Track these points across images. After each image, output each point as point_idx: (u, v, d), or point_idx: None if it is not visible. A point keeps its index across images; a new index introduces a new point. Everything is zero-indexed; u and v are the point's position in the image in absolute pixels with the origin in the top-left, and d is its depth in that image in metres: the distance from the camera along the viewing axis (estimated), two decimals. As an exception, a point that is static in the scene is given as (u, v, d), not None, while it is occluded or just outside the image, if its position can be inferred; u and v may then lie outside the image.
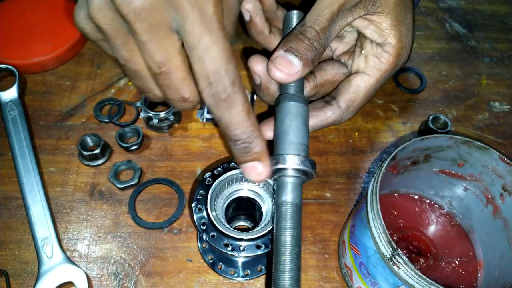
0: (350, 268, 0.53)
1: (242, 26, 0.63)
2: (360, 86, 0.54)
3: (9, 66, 0.70)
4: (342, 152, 0.69)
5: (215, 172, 0.53)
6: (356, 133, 0.71)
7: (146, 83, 0.43)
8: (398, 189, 0.61)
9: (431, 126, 0.69)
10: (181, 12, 0.36)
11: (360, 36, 0.56)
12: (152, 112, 0.67)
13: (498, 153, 0.49)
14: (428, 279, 0.40)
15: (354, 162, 0.68)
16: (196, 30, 0.37)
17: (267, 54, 0.50)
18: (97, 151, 0.64)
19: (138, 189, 0.63)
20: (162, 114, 0.67)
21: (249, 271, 0.57)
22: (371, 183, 0.47)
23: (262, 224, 0.52)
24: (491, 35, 0.88)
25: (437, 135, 0.50)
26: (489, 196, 0.53)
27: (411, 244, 0.57)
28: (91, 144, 0.66)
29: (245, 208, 0.58)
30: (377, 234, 0.44)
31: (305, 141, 0.45)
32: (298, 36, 0.48)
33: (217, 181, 0.52)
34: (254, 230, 0.50)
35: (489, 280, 0.53)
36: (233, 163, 0.54)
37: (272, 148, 0.46)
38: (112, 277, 0.56)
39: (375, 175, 0.47)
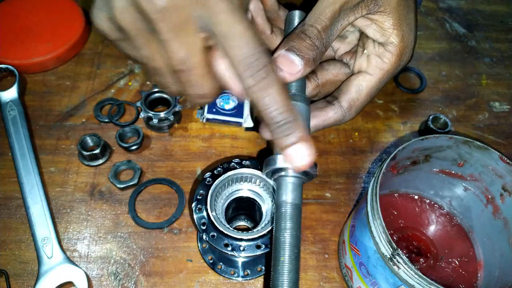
0: (350, 268, 0.53)
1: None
2: (362, 86, 0.54)
3: (9, 66, 0.70)
4: (342, 152, 0.69)
5: (215, 172, 0.53)
6: (356, 133, 0.71)
7: (166, 79, 0.43)
8: (398, 189, 0.61)
9: (431, 126, 0.69)
10: (209, 5, 0.38)
11: (362, 36, 0.56)
12: (152, 112, 0.67)
13: (498, 153, 0.49)
14: (428, 279, 0.40)
15: (354, 162, 0.68)
16: (227, 19, 0.38)
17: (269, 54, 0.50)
18: (97, 151, 0.64)
19: (138, 189, 0.63)
20: (162, 114, 0.67)
21: (249, 271, 0.57)
22: (371, 183, 0.47)
23: (262, 224, 0.52)
24: (491, 35, 0.88)
25: (437, 135, 0.50)
26: (489, 196, 0.53)
27: (411, 244, 0.57)
28: (91, 144, 0.66)
29: (245, 208, 0.58)
30: (377, 234, 0.44)
31: None
32: (299, 35, 0.48)
33: (217, 181, 0.52)
34: (254, 230, 0.50)
35: (489, 280, 0.53)
36: (233, 163, 0.54)
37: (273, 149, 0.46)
38: (112, 277, 0.56)
39: (375, 175, 0.47)
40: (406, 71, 0.80)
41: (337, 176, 0.66)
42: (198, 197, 0.51)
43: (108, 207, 0.62)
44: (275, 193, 0.45)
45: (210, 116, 0.69)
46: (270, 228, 0.49)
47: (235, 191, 0.56)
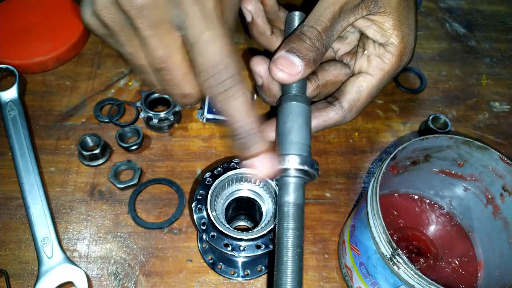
0: (350, 268, 0.53)
1: (244, 27, 0.63)
2: (362, 86, 0.54)
3: (9, 66, 0.70)
4: (342, 152, 0.69)
5: (215, 172, 0.53)
6: (356, 133, 0.71)
7: (150, 78, 0.44)
8: (398, 189, 0.61)
9: (431, 126, 0.69)
10: (182, 7, 0.37)
11: (363, 37, 0.56)
12: (152, 112, 0.67)
13: (498, 153, 0.49)
14: (428, 279, 0.40)
15: (354, 162, 0.68)
16: (197, 25, 0.38)
17: (269, 55, 0.50)
18: (97, 151, 0.64)
19: (138, 189, 0.63)
20: (162, 114, 0.67)
21: (249, 271, 0.57)
22: (371, 183, 0.47)
23: (262, 224, 0.52)
24: (491, 35, 0.88)
25: (437, 135, 0.50)
26: (489, 196, 0.53)
27: (411, 244, 0.57)
28: (91, 144, 0.66)
29: (245, 208, 0.58)
30: (377, 234, 0.44)
31: (307, 141, 0.45)
32: (299, 36, 0.48)
33: (217, 181, 0.52)
34: (254, 230, 0.50)
35: (489, 280, 0.53)
36: (233, 163, 0.54)
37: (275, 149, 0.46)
38: (112, 277, 0.56)
39: (375, 175, 0.47)
40: (406, 71, 0.80)
41: (337, 176, 0.66)
42: (198, 197, 0.51)
43: (108, 207, 0.62)
44: (276, 194, 0.45)
45: (210, 116, 0.69)
46: (270, 228, 0.49)
47: (235, 191, 0.56)
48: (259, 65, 0.50)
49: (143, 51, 0.41)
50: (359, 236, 0.49)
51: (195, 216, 0.50)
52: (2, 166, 0.65)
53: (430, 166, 0.56)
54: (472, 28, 0.89)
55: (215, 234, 0.49)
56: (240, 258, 0.55)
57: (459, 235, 0.58)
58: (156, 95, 0.70)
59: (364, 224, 0.47)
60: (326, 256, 0.59)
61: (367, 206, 0.46)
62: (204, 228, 0.49)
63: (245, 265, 0.57)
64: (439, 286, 0.40)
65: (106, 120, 0.69)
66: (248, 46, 0.80)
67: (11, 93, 0.68)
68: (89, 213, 0.61)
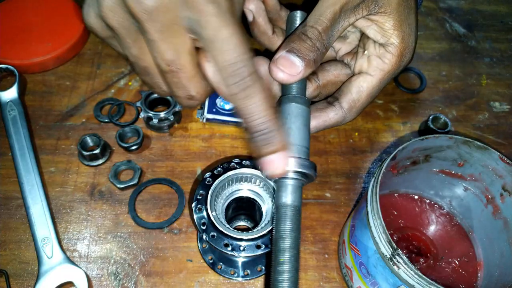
0: (350, 268, 0.53)
1: (245, 26, 0.63)
2: (363, 86, 0.54)
3: (9, 66, 0.70)
4: (342, 152, 0.69)
5: (215, 172, 0.53)
6: (356, 133, 0.71)
7: (154, 80, 0.43)
8: (398, 189, 0.61)
9: (431, 126, 0.69)
10: (196, 7, 0.37)
11: (363, 37, 0.56)
12: (152, 112, 0.67)
13: (498, 153, 0.49)
14: (428, 279, 0.40)
15: (354, 162, 0.68)
16: (214, 23, 0.37)
17: (270, 55, 0.50)
18: (97, 151, 0.64)
19: (138, 189, 0.63)
20: (162, 114, 0.67)
21: (249, 271, 0.57)
22: (371, 183, 0.47)
23: (262, 224, 0.52)
24: (491, 35, 0.88)
25: (437, 135, 0.50)
26: (489, 196, 0.53)
27: (411, 244, 0.57)
28: (91, 144, 0.66)
29: (245, 208, 0.58)
30: (377, 234, 0.44)
31: (305, 143, 0.45)
32: (300, 37, 0.48)
33: (217, 181, 0.52)
34: (254, 230, 0.50)
35: (489, 280, 0.53)
36: (233, 163, 0.54)
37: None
38: (112, 277, 0.56)
39: (375, 175, 0.47)
40: (406, 71, 0.80)
41: (337, 176, 0.66)
42: (198, 197, 0.51)
43: (108, 207, 0.62)
44: (275, 195, 0.45)
45: (210, 116, 0.69)
46: (270, 228, 0.49)
47: (235, 191, 0.56)
48: (259, 66, 0.50)
49: (149, 53, 0.40)
50: (359, 236, 0.49)
51: (195, 216, 0.50)
52: (2, 166, 0.65)
53: (430, 166, 0.56)
54: (472, 28, 0.89)
55: (215, 234, 0.49)
56: (240, 258, 0.55)
57: (459, 235, 0.58)
58: (156, 95, 0.70)
59: (364, 224, 0.47)
60: (326, 256, 0.59)
61: (367, 206, 0.46)
62: (204, 228, 0.49)
63: (245, 265, 0.57)
64: (439, 286, 0.40)
65: (106, 120, 0.69)
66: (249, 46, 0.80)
67: (11, 93, 0.68)
68: (89, 213, 0.61)
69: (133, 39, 0.40)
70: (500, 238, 0.52)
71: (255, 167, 0.54)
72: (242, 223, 0.62)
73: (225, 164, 0.54)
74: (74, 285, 0.54)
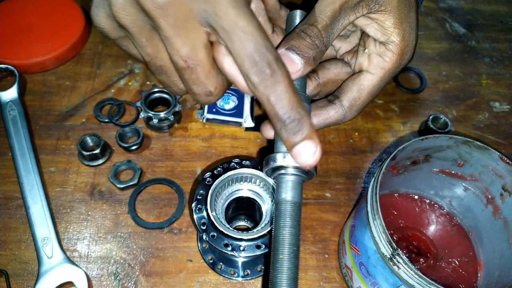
0: (350, 268, 0.53)
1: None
2: (363, 85, 0.54)
3: (9, 66, 0.70)
4: (342, 152, 0.69)
5: (215, 172, 0.53)
6: (356, 133, 0.71)
7: (171, 78, 0.42)
8: (398, 189, 0.61)
9: (431, 126, 0.69)
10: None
11: (364, 35, 0.56)
12: (152, 112, 0.67)
13: (498, 153, 0.49)
14: (428, 279, 0.40)
15: (354, 162, 0.68)
16: (230, 13, 0.37)
17: None
18: (97, 151, 0.64)
19: (138, 189, 0.63)
20: (162, 114, 0.67)
21: (249, 271, 0.57)
22: (371, 183, 0.47)
23: (262, 224, 0.52)
24: (491, 35, 0.88)
25: (437, 135, 0.50)
26: (489, 196, 0.53)
27: (411, 244, 0.57)
28: (91, 144, 0.66)
29: (245, 208, 0.58)
30: (377, 234, 0.44)
31: None
32: (299, 34, 0.48)
33: (217, 181, 0.52)
34: (254, 230, 0.50)
35: (489, 280, 0.53)
36: (233, 163, 0.54)
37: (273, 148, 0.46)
38: (112, 277, 0.56)
39: (375, 175, 0.47)
40: (406, 71, 0.80)
41: (337, 176, 0.66)
42: (198, 197, 0.51)
43: (108, 207, 0.62)
44: (274, 192, 0.45)
45: (210, 116, 0.69)
46: (270, 228, 0.49)
47: (235, 191, 0.56)
48: None
49: (165, 51, 0.39)
50: (359, 236, 0.49)
51: (195, 216, 0.50)
52: (2, 166, 0.65)
53: (430, 166, 0.56)
54: (472, 28, 0.89)
55: (215, 234, 0.49)
56: (240, 258, 0.55)
57: (459, 235, 0.58)
58: (156, 95, 0.70)
59: (364, 224, 0.47)
60: (326, 256, 0.59)
61: (367, 206, 0.46)
62: (204, 228, 0.49)
63: (245, 265, 0.57)
64: (439, 286, 0.40)
65: (106, 120, 0.69)
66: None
67: (11, 93, 0.68)
68: (89, 213, 0.61)
69: (147, 37, 0.39)
70: (500, 238, 0.52)
71: (255, 167, 0.54)
72: (242, 223, 0.62)
73: (225, 164, 0.54)
74: (74, 285, 0.54)
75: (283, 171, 0.43)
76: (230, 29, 0.37)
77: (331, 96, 0.56)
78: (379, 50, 0.53)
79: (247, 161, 0.54)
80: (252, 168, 0.53)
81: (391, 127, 0.72)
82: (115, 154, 0.67)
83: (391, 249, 0.42)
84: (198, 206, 0.51)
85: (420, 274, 0.40)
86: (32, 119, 0.69)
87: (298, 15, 0.52)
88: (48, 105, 0.71)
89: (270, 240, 0.49)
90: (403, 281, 0.42)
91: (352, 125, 0.72)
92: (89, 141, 0.66)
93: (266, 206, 0.55)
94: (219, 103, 0.69)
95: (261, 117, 0.71)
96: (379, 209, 0.44)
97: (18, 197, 0.61)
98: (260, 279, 0.57)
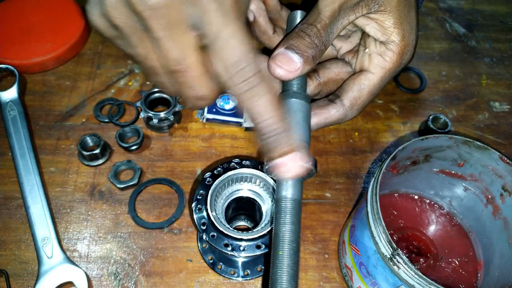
0: (350, 268, 0.53)
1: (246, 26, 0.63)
2: (364, 84, 0.54)
3: (9, 66, 0.70)
4: (342, 152, 0.69)
5: (215, 172, 0.53)
6: (356, 133, 0.71)
7: (162, 80, 0.43)
8: (398, 189, 0.61)
9: (431, 126, 0.69)
10: (200, 5, 0.37)
11: (364, 35, 0.56)
12: (152, 112, 0.67)
13: (498, 153, 0.49)
14: (428, 279, 0.40)
15: (354, 162, 0.68)
16: (216, 21, 0.37)
17: (269, 53, 0.50)
18: (97, 151, 0.64)
19: (138, 189, 0.63)
20: (162, 114, 0.67)
21: (249, 271, 0.57)
22: (371, 183, 0.47)
23: (262, 224, 0.52)
24: (491, 35, 0.88)
25: (437, 135, 0.50)
26: (489, 196, 0.53)
27: (411, 244, 0.57)
28: (91, 144, 0.66)
29: (245, 208, 0.58)
30: (377, 234, 0.44)
31: (306, 138, 0.45)
32: (299, 34, 0.48)
33: (217, 181, 0.52)
34: (254, 230, 0.50)
35: (489, 280, 0.53)
36: (233, 163, 0.54)
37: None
38: (112, 277, 0.56)
39: (375, 175, 0.47)
40: (406, 71, 0.80)
41: (337, 176, 0.66)
42: (198, 197, 0.51)
43: (108, 207, 0.62)
44: (274, 192, 0.45)
45: (210, 116, 0.69)
46: (270, 228, 0.49)
47: (235, 191, 0.56)
48: (260, 64, 0.49)
49: (156, 52, 0.40)
50: (359, 236, 0.49)
51: (195, 216, 0.50)
52: (2, 166, 0.65)
53: (430, 166, 0.56)
54: (472, 28, 0.89)
55: (215, 234, 0.49)
56: (240, 258, 0.55)
57: (459, 235, 0.58)
58: (156, 95, 0.70)
59: (364, 224, 0.47)
60: (326, 256, 0.59)
61: (367, 206, 0.46)
62: (204, 228, 0.49)
63: (245, 265, 0.57)
64: (439, 286, 0.40)
65: (106, 120, 0.69)
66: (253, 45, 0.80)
67: (11, 93, 0.68)
68: (89, 213, 0.61)
69: (139, 38, 0.39)
70: (500, 238, 0.52)
71: (255, 167, 0.54)
72: (242, 223, 0.62)
73: (225, 164, 0.54)
74: (74, 285, 0.54)
75: None
76: (215, 36, 0.37)
77: (332, 95, 0.56)
78: (380, 49, 0.53)
79: (247, 161, 0.54)
80: (252, 168, 0.53)
81: (391, 127, 0.72)
82: (115, 154, 0.67)
83: (391, 249, 0.42)
84: (198, 206, 0.51)
85: (420, 274, 0.40)
86: (32, 119, 0.69)
87: (298, 15, 0.52)
88: (48, 105, 0.71)
89: (271, 239, 0.49)
90: (403, 281, 0.42)
91: (352, 125, 0.72)
92: (89, 141, 0.66)
93: (266, 206, 0.55)
94: (219, 103, 0.69)
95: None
96: (379, 209, 0.44)
97: (18, 197, 0.61)
98: (260, 279, 0.57)
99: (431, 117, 0.70)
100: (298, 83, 0.48)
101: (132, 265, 0.57)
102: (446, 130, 0.70)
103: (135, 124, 0.69)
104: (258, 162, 0.54)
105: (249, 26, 0.55)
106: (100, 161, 0.65)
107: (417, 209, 0.60)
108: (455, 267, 0.56)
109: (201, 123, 0.71)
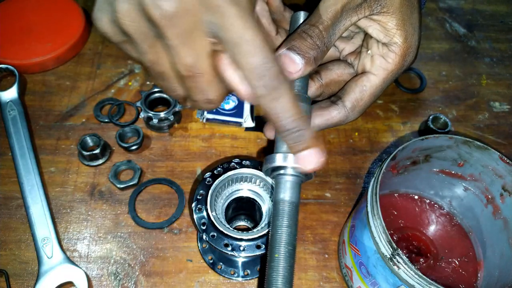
0: (350, 268, 0.53)
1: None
2: (366, 86, 0.54)
3: (9, 66, 0.70)
4: (342, 152, 0.69)
5: (215, 172, 0.53)
6: (356, 133, 0.71)
7: (171, 84, 0.42)
8: (398, 189, 0.61)
9: (431, 126, 0.69)
10: (218, 10, 0.36)
11: (366, 36, 0.56)
12: (152, 112, 0.67)
13: (498, 153, 0.49)
14: (428, 279, 0.40)
15: (354, 162, 0.68)
16: (237, 26, 0.37)
17: None
18: (97, 151, 0.64)
19: (138, 189, 0.63)
20: (162, 114, 0.67)
21: (249, 271, 0.57)
22: (371, 183, 0.47)
23: (262, 224, 0.52)
24: (491, 35, 0.88)
25: (437, 135, 0.50)
26: (489, 196, 0.53)
27: (411, 244, 0.57)
28: (91, 144, 0.66)
29: (245, 208, 0.58)
30: (377, 234, 0.44)
31: None
32: (301, 35, 0.48)
33: (217, 181, 0.52)
34: (254, 230, 0.50)
35: (489, 280, 0.53)
36: (233, 163, 0.54)
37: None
38: (112, 277, 0.56)
39: (375, 175, 0.47)
40: (406, 71, 0.79)
41: (337, 176, 0.66)
42: (198, 197, 0.51)
43: (108, 207, 0.62)
44: (273, 191, 0.45)
45: (210, 116, 0.69)
46: (269, 228, 0.49)
47: (235, 191, 0.56)
48: None
49: (168, 58, 0.39)
50: (359, 236, 0.49)
51: (195, 216, 0.50)
52: (2, 166, 0.65)
53: (430, 166, 0.56)
54: (472, 28, 0.89)
55: (215, 234, 0.49)
56: (240, 258, 0.55)
57: (459, 235, 0.58)
58: (156, 95, 0.70)
59: (364, 224, 0.47)
60: (326, 256, 0.59)
61: (367, 206, 0.46)
62: (204, 228, 0.49)
63: (245, 265, 0.57)
64: (439, 286, 0.40)
65: (106, 120, 0.69)
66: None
67: (11, 93, 0.68)
68: (89, 213, 0.61)
69: (150, 44, 0.39)
70: (500, 238, 0.52)
71: (255, 167, 0.54)
72: (242, 223, 0.62)
73: (225, 164, 0.54)
74: (74, 285, 0.54)
75: (282, 171, 0.44)
76: (237, 41, 0.37)
77: (333, 97, 0.56)
78: (382, 51, 0.53)
79: (247, 161, 0.54)
80: (252, 168, 0.53)
81: (391, 127, 0.72)
82: (115, 154, 0.67)
83: (391, 249, 0.42)
84: (198, 206, 0.51)
85: (420, 274, 0.40)
86: (32, 119, 0.69)
87: (301, 16, 0.52)
88: (48, 105, 0.71)
89: (267, 239, 0.49)
90: (403, 281, 0.42)
91: (352, 125, 0.72)
92: (89, 141, 0.66)
93: (266, 206, 0.55)
94: (219, 103, 0.69)
95: (261, 117, 0.71)
96: (379, 209, 0.44)
97: (18, 197, 0.61)
98: (260, 279, 0.57)
99: (431, 117, 0.70)
100: (299, 84, 0.48)
101: (132, 265, 0.57)
102: (446, 130, 0.70)
103: (135, 124, 0.69)
104: (258, 162, 0.54)
105: None
106: (100, 161, 0.65)
107: (417, 209, 0.60)
108: (455, 267, 0.56)
109: (201, 123, 0.71)
